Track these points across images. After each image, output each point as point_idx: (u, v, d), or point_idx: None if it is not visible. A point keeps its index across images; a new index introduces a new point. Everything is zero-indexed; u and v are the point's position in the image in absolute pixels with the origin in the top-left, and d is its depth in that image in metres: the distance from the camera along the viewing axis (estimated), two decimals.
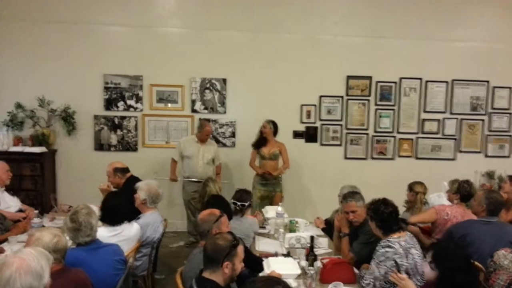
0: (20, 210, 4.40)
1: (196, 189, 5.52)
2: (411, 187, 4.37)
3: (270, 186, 5.56)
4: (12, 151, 5.66)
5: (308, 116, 6.37)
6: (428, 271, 2.27)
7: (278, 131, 5.64)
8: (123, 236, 3.28)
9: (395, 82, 6.41)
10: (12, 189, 4.74)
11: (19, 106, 5.90)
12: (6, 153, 5.55)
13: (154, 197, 3.84)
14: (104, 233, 3.13)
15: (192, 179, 5.55)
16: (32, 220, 3.76)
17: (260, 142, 5.60)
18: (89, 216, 2.75)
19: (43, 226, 3.61)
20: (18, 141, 5.83)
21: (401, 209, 4.44)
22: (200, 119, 6.06)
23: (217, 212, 3.02)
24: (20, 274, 1.64)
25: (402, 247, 2.76)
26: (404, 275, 2.36)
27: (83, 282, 2.35)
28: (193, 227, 5.32)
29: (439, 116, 6.51)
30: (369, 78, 6.37)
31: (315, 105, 6.36)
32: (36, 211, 4.11)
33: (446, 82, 6.45)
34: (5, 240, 3.53)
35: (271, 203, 5.40)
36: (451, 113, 6.50)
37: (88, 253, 2.68)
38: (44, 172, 5.77)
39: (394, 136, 6.46)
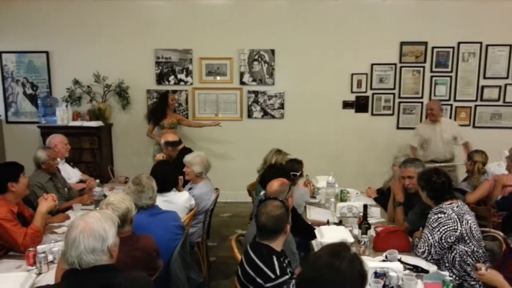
0: (81, 181, 4.65)
1: None
2: (470, 156, 4.20)
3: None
4: (72, 125, 5.96)
5: (359, 85, 6.21)
6: None
7: None
8: (171, 202, 3.38)
9: (452, 47, 6.07)
10: (73, 161, 5.03)
11: (76, 82, 6.17)
12: (67, 128, 5.86)
13: (208, 167, 3.94)
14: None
15: None
16: (94, 189, 3.97)
17: (161, 115, 5.74)
18: (150, 179, 2.92)
19: (105, 195, 3.79)
20: (77, 116, 6.14)
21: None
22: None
23: (286, 181, 3.04)
24: (83, 236, 1.73)
25: (454, 212, 2.73)
26: (483, 271, 2.26)
27: (151, 248, 2.46)
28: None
29: (500, 82, 6.12)
30: (425, 43, 6.07)
31: (366, 74, 6.17)
32: (97, 181, 4.33)
33: (509, 45, 6.02)
34: (70, 207, 3.77)
35: None
36: None
37: (150, 218, 2.81)
38: (101, 145, 6.05)
39: (450, 104, 6.17)
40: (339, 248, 1.65)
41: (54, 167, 3.96)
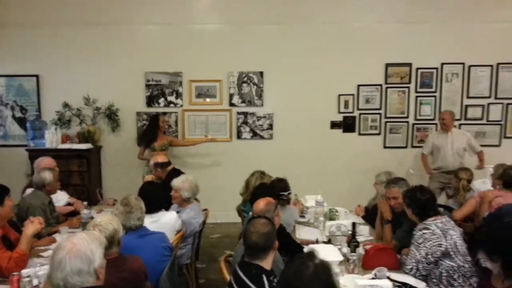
0: (69, 204, 4.61)
1: None
2: (455, 173, 4.26)
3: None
4: (61, 148, 5.91)
5: (346, 106, 6.30)
6: (493, 267, 2.23)
7: None
8: (160, 223, 3.35)
9: (436, 68, 6.23)
10: (61, 184, 4.96)
11: (66, 105, 6.16)
12: (56, 150, 5.79)
13: (196, 191, 3.91)
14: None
15: None
16: (82, 211, 3.93)
17: (152, 138, 5.75)
18: (138, 200, 2.93)
19: (92, 217, 3.75)
20: (66, 138, 6.10)
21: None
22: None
23: (272, 200, 3.06)
24: (70, 258, 1.71)
25: (438, 228, 2.77)
26: None
27: (139, 270, 2.45)
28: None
29: (483, 102, 6.28)
30: (409, 65, 6.23)
31: (353, 95, 6.28)
32: (85, 203, 4.29)
33: (491, 66, 6.20)
34: (57, 231, 3.72)
35: None
36: (496, 98, 6.26)
37: (138, 240, 2.80)
38: (90, 167, 5.99)
39: (435, 124, 6.27)
40: (305, 258, 1.71)
41: (56, 188, 3.94)
